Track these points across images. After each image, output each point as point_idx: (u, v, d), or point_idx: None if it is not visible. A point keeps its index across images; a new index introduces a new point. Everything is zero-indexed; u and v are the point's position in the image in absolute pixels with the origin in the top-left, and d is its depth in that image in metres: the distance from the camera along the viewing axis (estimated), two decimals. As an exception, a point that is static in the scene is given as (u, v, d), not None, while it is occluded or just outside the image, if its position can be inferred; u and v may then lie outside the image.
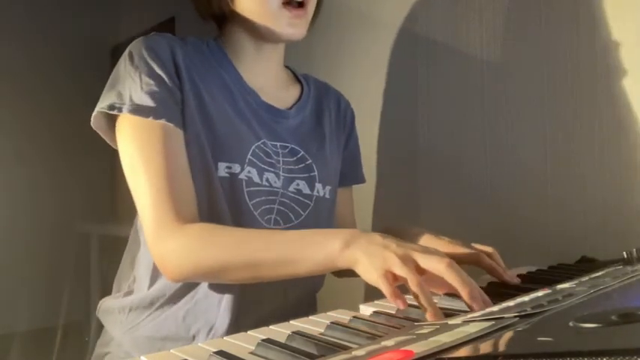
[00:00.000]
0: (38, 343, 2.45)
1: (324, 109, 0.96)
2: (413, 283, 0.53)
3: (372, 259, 0.57)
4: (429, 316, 0.52)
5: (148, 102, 0.74)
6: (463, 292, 0.54)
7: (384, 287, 0.54)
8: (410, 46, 1.23)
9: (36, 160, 2.75)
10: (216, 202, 0.77)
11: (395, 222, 1.25)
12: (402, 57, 1.25)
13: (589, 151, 0.94)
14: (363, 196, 1.31)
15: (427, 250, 0.58)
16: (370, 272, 0.57)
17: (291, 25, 0.81)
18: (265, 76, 0.89)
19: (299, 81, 0.98)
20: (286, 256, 0.65)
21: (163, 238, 0.71)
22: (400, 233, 0.82)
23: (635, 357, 0.28)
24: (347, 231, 0.63)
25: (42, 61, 2.88)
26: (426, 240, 0.79)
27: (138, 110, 0.74)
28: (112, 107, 0.74)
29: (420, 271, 0.56)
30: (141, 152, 0.73)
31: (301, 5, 0.81)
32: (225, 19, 0.87)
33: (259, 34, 0.84)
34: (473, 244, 0.76)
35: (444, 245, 0.76)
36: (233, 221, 0.78)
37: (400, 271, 0.54)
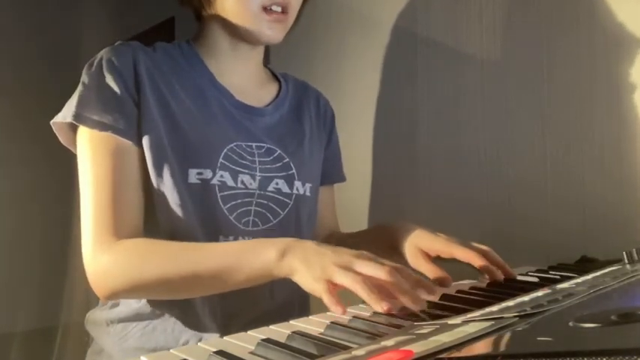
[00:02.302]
0: (38, 343, 2.45)
1: (303, 107, 0.96)
2: (354, 285, 0.54)
3: (310, 268, 0.58)
4: (375, 306, 0.53)
5: (96, 113, 0.74)
6: (403, 299, 0.55)
7: (325, 297, 0.55)
8: (410, 46, 1.23)
9: (37, 160, 2.75)
10: (186, 210, 0.77)
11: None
12: (402, 57, 1.25)
13: (589, 151, 0.94)
14: (360, 195, 1.31)
15: (363, 256, 0.58)
16: (310, 282, 0.57)
17: (270, 29, 0.81)
18: (241, 75, 0.89)
19: (277, 80, 0.97)
20: (223, 266, 0.65)
21: (97, 254, 0.72)
22: (395, 230, 0.81)
23: (635, 357, 0.28)
24: (282, 240, 0.63)
25: (37, 62, 2.87)
26: (422, 236, 0.77)
27: (84, 119, 0.74)
28: (63, 117, 0.76)
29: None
30: (87, 164, 0.74)
31: (283, 11, 0.81)
32: (203, 17, 0.86)
33: (238, 34, 0.84)
34: (469, 243, 0.74)
35: (440, 242, 0.74)
36: (206, 227, 0.78)
37: (340, 279, 0.55)
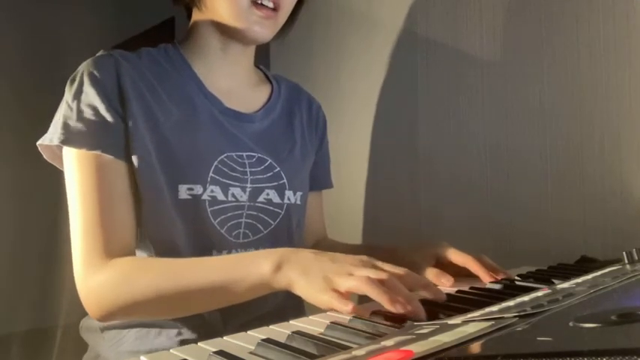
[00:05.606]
0: (38, 343, 2.45)
1: (294, 111, 0.94)
2: (361, 287, 0.53)
3: (310, 280, 0.56)
4: (386, 305, 0.51)
5: (82, 132, 0.72)
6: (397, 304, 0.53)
7: (335, 304, 0.53)
8: (409, 46, 1.23)
9: (38, 158, 2.75)
10: (177, 227, 0.75)
11: (390, 219, 1.25)
12: (402, 57, 1.25)
13: (589, 151, 0.94)
14: (360, 196, 1.31)
15: (362, 262, 0.57)
16: (312, 294, 0.55)
17: (259, 24, 0.79)
18: (232, 79, 0.87)
19: (269, 81, 0.95)
20: (219, 281, 0.63)
21: (88, 276, 0.70)
22: (390, 250, 0.82)
23: (635, 357, 0.28)
24: (277, 251, 0.61)
25: (37, 63, 2.87)
26: (417, 248, 0.80)
27: (71, 141, 0.72)
28: (50, 139, 0.74)
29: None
30: (75, 184, 0.72)
31: (274, 8, 0.80)
32: (194, 15, 0.85)
33: (227, 32, 0.82)
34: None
35: (436, 247, 0.78)
36: (197, 243, 0.77)
37: (345, 285, 0.54)
